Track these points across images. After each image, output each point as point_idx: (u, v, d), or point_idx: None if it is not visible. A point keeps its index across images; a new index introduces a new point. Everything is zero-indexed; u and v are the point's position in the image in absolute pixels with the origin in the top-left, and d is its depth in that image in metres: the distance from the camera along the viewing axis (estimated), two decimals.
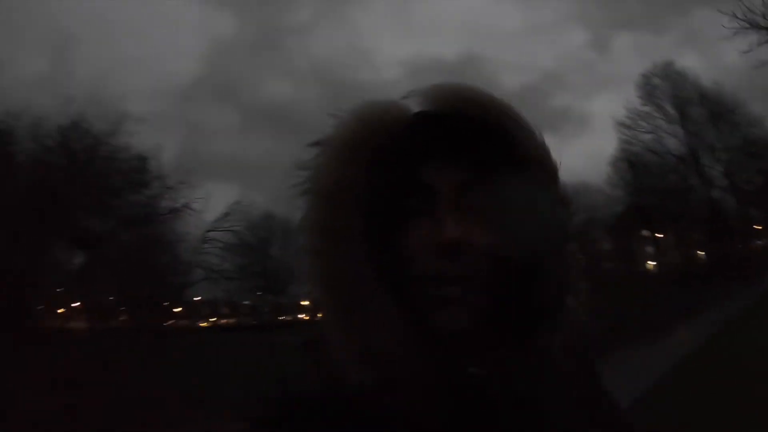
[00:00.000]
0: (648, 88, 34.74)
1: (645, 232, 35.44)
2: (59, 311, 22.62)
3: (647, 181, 33.27)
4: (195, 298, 31.29)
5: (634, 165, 33.81)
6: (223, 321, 34.96)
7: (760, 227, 34.29)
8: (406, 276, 0.72)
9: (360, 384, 0.69)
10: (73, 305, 23.20)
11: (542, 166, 0.77)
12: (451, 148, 0.74)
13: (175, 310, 28.46)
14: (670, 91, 34.30)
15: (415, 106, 0.78)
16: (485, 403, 0.72)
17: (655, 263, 35.88)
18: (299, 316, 36.25)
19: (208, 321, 34.10)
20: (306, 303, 37.34)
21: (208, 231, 26.54)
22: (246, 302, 35.28)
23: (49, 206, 18.62)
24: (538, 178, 0.76)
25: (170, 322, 26.51)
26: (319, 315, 0.74)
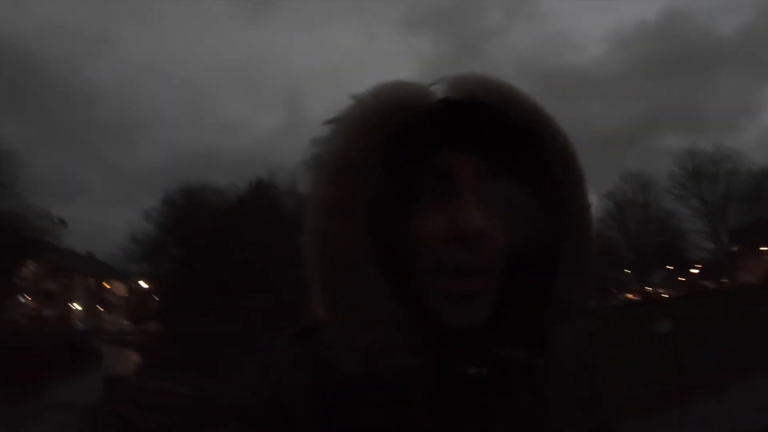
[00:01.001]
0: None
1: None
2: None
3: None
4: None
5: None
6: None
7: None
8: (413, 265, 0.69)
9: (350, 375, 0.67)
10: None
11: (565, 167, 0.74)
12: (472, 136, 0.72)
13: None
14: None
15: (441, 94, 0.73)
16: (479, 405, 0.71)
17: None
18: None
19: None
20: None
21: None
22: None
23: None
24: (559, 178, 0.73)
25: None
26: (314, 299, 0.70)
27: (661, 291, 43.07)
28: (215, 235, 24.83)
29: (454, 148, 0.71)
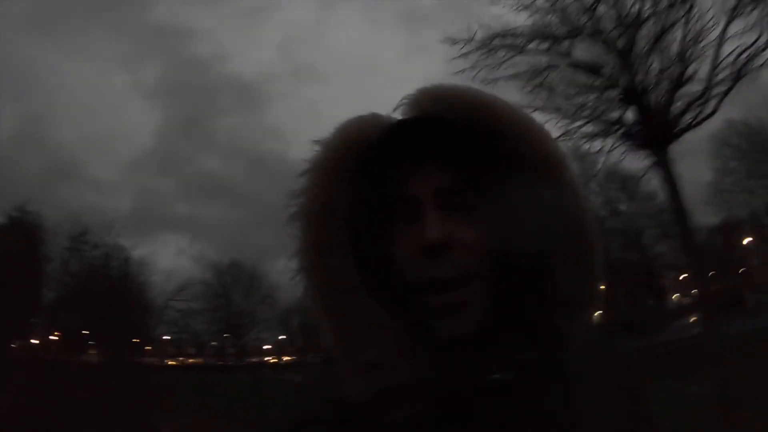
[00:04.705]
0: None
1: None
2: (35, 341, 25.58)
3: None
4: (164, 337, 33.49)
5: None
6: (190, 360, 36.48)
7: None
8: (400, 286, 0.72)
9: (362, 396, 0.69)
10: (50, 337, 26.30)
11: (546, 164, 0.74)
12: (431, 152, 0.73)
13: (146, 348, 30.98)
14: None
15: (403, 114, 0.77)
16: (509, 409, 0.70)
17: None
18: (266, 358, 38.46)
19: (176, 360, 35.82)
20: (269, 347, 39.78)
21: (169, 300, 31.00)
22: (213, 343, 37.03)
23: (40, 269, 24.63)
24: (539, 175, 0.73)
25: (140, 358, 29.04)
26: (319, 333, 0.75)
27: None
28: None
29: (416, 167, 0.74)
